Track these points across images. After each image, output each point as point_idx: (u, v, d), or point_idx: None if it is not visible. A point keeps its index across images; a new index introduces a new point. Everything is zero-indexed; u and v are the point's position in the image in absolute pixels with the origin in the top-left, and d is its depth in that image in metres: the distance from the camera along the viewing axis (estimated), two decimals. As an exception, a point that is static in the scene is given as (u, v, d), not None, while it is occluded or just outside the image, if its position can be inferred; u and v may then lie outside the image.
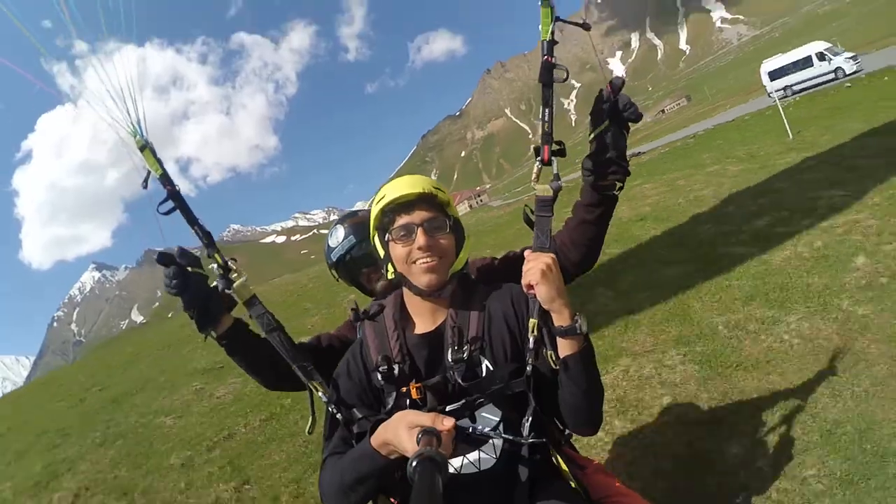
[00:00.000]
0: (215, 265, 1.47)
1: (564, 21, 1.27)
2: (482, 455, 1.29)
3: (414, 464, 0.76)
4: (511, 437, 1.27)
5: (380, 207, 1.31)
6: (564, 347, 1.20)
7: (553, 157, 1.31)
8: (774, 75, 27.36)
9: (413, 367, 1.29)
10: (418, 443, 0.90)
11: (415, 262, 1.28)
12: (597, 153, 1.35)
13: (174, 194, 1.44)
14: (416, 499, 0.68)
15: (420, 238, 1.26)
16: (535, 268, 1.20)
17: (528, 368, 1.26)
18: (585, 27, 1.35)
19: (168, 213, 1.44)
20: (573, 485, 1.33)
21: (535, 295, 1.22)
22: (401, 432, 0.99)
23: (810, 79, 25.82)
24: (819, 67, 25.53)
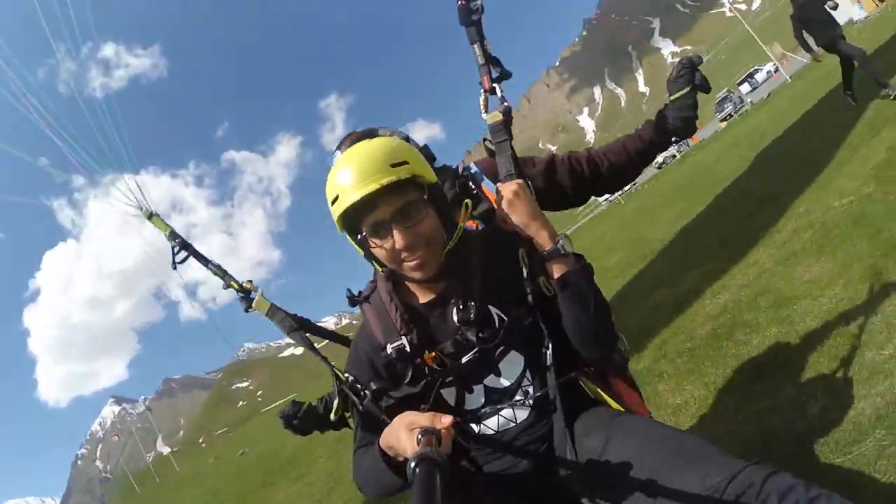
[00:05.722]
0: (237, 293, 1.66)
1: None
2: (516, 410, 1.26)
3: (413, 464, 0.73)
4: (535, 380, 1.25)
5: (337, 214, 1.16)
6: (555, 271, 1.19)
7: (495, 84, 1.32)
8: None
9: (422, 337, 1.24)
10: (418, 443, 0.88)
11: (402, 260, 1.18)
12: (673, 108, 1.47)
13: (185, 244, 1.66)
14: (417, 499, 0.67)
15: (398, 238, 1.14)
16: (504, 198, 1.19)
17: (529, 298, 1.21)
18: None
19: (183, 261, 1.66)
20: (612, 404, 1.28)
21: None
22: (401, 434, 0.96)
23: None
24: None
